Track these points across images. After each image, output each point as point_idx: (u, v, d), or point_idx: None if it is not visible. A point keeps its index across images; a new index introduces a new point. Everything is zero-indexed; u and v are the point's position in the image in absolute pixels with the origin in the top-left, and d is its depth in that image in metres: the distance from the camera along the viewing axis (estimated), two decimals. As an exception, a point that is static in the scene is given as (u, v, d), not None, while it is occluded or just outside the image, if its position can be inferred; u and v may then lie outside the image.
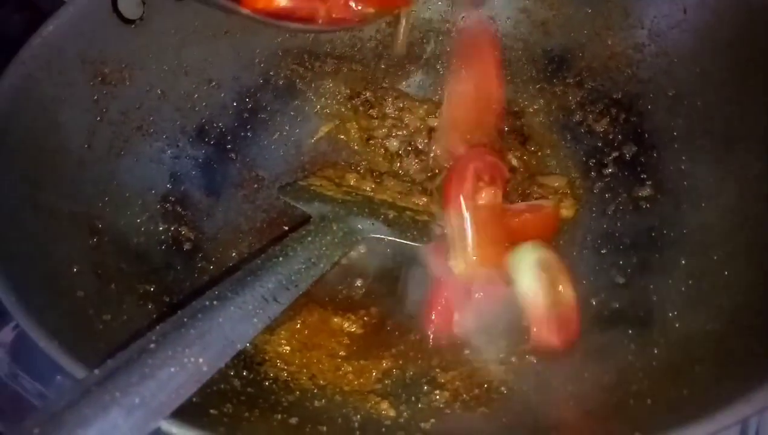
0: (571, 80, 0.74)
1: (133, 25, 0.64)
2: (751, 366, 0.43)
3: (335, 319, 0.63)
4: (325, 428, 0.48)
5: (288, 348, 0.59)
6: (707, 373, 0.46)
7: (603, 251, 0.64)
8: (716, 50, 0.62)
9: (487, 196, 0.62)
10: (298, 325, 0.61)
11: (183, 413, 0.39)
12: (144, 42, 0.65)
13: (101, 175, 0.61)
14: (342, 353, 0.60)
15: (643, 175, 0.66)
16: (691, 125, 0.63)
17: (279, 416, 0.49)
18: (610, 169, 0.69)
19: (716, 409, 0.38)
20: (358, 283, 0.66)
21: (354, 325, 0.62)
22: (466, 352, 0.59)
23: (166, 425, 0.38)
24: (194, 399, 0.40)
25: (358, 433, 0.50)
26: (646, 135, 0.67)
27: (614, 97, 0.71)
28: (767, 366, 0.40)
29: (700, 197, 0.60)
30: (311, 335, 0.60)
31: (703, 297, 0.54)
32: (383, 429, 0.51)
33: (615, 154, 0.69)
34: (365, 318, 0.63)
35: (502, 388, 0.55)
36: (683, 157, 0.63)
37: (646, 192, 0.65)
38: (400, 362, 0.59)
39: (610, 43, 0.71)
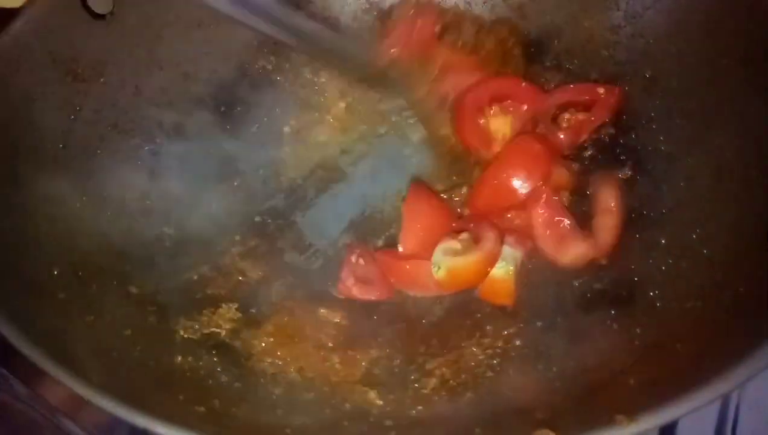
0: (549, 63, 0.73)
1: (103, 20, 0.63)
2: (730, 343, 0.44)
3: (321, 310, 0.63)
4: (313, 420, 0.49)
5: (274, 341, 0.59)
6: (688, 350, 0.47)
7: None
8: (691, 30, 0.62)
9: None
10: (285, 318, 0.61)
11: (169, 411, 0.39)
12: (116, 37, 0.64)
13: (78, 174, 0.60)
14: (329, 344, 0.60)
15: (623, 157, 0.66)
16: (668, 106, 0.64)
17: (267, 410, 0.49)
18: (589, 152, 0.69)
19: (696, 387, 0.39)
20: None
21: (340, 316, 0.62)
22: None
23: (151, 425, 0.38)
24: (181, 397, 0.40)
25: (346, 423, 0.50)
26: (624, 116, 0.67)
27: (592, 79, 0.71)
28: (745, 342, 0.41)
29: (679, 177, 0.60)
30: (298, 328, 0.60)
31: (683, 275, 0.55)
32: (371, 418, 0.51)
33: (593, 136, 0.69)
34: (351, 308, 0.63)
35: (489, 373, 0.55)
36: (661, 138, 0.64)
37: (625, 173, 0.65)
38: (387, 351, 0.59)
39: (586, 25, 0.71)
